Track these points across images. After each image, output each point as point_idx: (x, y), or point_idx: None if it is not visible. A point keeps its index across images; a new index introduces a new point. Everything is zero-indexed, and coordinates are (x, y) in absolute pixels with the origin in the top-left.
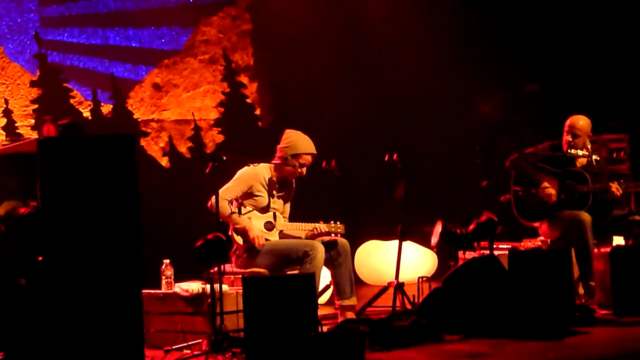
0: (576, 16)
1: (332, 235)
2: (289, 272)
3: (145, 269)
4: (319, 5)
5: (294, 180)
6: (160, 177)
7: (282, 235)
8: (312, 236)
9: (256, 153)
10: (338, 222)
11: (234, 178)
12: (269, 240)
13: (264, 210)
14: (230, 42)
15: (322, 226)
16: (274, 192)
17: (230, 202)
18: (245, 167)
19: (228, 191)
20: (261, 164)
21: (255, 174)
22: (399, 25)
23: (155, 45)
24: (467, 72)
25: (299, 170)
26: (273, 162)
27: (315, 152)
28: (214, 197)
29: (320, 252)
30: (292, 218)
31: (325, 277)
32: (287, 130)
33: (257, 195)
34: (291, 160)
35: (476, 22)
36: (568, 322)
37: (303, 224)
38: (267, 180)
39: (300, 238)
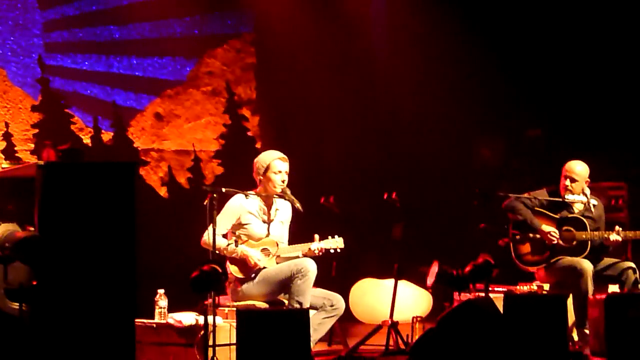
0: (579, 62)
1: (332, 250)
2: (281, 298)
3: (140, 299)
4: (325, 41)
5: (290, 205)
6: (158, 207)
7: (279, 260)
8: (310, 254)
9: (256, 186)
10: (336, 236)
11: (222, 211)
12: (265, 268)
13: (260, 238)
14: (234, 74)
15: (318, 243)
16: (267, 219)
17: (225, 235)
18: (231, 199)
19: (218, 224)
20: (250, 194)
21: (241, 204)
22: (402, 64)
23: (159, 75)
24: (468, 115)
25: (278, 183)
26: (255, 191)
27: (282, 155)
28: (205, 233)
29: (311, 267)
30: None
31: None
32: (255, 159)
33: (247, 224)
34: (266, 179)
35: (479, 65)
36: None
37: (299, 244)
38: (258, 209)
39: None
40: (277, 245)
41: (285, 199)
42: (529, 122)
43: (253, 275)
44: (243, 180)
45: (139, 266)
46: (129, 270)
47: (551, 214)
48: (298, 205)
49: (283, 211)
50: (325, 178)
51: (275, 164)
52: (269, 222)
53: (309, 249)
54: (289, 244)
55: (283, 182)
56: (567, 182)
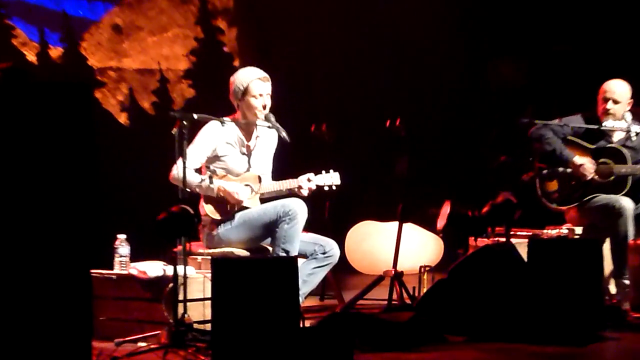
0: None
1: (326, 188)
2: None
3: (96, 245)
4: None
5: (276, 133)
6: (117, 136)
7: (263, 200)
8: (300, 193)
9: (234, 111)
10: (331, 171)
11: (193, 141)
12: (248, 208)
13: (239, 174)
14: None
15: (309, 179)
16: (247, 150)
17: (199, 170)
18: (206, 125)
19: (189, 157)
20: (227, 121)
21: (217, 133)
22: None
23: None
24: (486, 29)
25: (259, 108)
26: (234, 115)
27: (263, 74)
28: (174, 167)
29: (301, 209)
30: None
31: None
32: (230, 78)
33: (224, 156)
34: (245, 104)
35: None
36: (595, 325)
37: (288, 180)
38: (236, 138)
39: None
40: (260, 180)
41: (269, 127)
42: (557, 38)
43: (232, 217)
44: (219, 104)
45: (96, 207)
46: (86, 213)
47: (586, 144)
48: (284, 134)
49: (266, 140)
50: (316, 102)
51: (254, 86)
52: (249, 153)
53: (299, 186)
54: (273, 181)
55: (264, 107)
56: (606, 106)
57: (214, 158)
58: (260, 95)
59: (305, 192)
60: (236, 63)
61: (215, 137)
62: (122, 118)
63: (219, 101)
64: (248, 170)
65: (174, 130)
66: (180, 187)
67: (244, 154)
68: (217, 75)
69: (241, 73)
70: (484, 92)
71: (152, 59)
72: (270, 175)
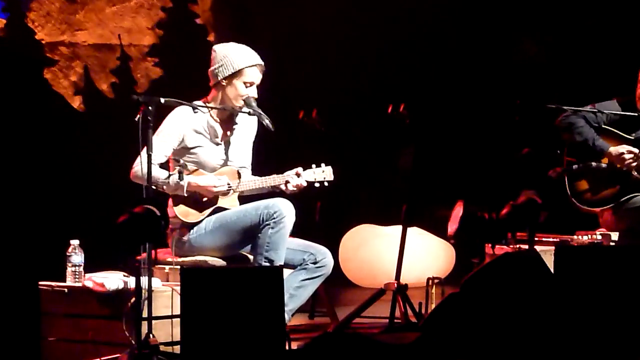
0: None
1: (317, 184)
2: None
3: (46, 253)
4: None
5: (256, 120)
6: (70, 124)
7: (243, 199)
8: (287, 191)
9: (207, 93)
10: (323, 165)
11: (157, 131)
12: (226, 209)
13: (215, 168)
14: None
15: (298, 173)
16: (220, 139)
17: (165, 164)
18: (172, 113)
19: (153, 150)
20: (199, 107)
21: (185, 120)
22: None
23: None
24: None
25: (242, 96)
26: (207, 98)
27: (261, 62)
28: (136, 162)
29: (288, 210)
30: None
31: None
32: (215, 47)
33: (195, 148)
34: (230, 86)
35: None
36: (636, 349)
37: (272, 176)
38: (207, 126)
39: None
40: (240, 176)
41: (250, 114)
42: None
43: (206, 219)
44: (190, 86)
45: (45, 208)
46: (32, 213)
47: (623, 134)
48: (267, 121)
49: (245, 129)
50: (306, 84)
51: (250, 72)
52: (226, 144)
53: (286, 181)
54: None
55: (249, 98)
56: None
57: (182, 150)
58: (252, 83)
59: (292, 189)
60: (210, 37)
61: (182, 124)
62: (76, 102)
63: (189, 82)
64: (225, 164)
65: (137, 117)
66: (144, 185)
67: (218, 144)
68: (188, 52)
69: (236, 51)
70: (504, 73)
71: (112, 32)
72: (250, 170)
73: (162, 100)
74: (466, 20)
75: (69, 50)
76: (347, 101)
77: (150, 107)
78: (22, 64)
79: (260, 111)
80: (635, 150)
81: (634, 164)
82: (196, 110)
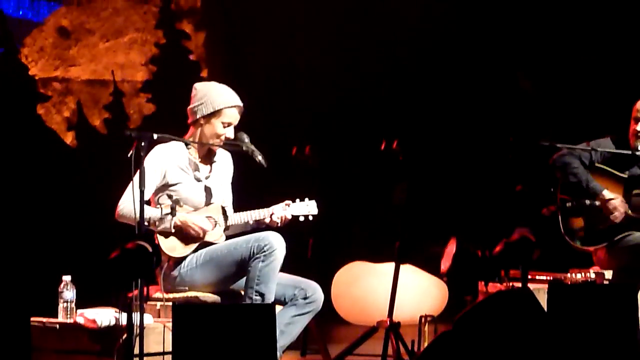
0: None
1: (301, 218)
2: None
3: (38, 289)
4: None
5: (229, 155)
6: (62, 160)
7: (229, 237)
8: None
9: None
10: (306, 199)
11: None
12: (214, 243)
13: (197, 207)
14: None
15: (288, 204)
16: (202, 176)
17: (148, 202)
18: (153, 149)
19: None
20: (172, 142)
21: (166, 156)
22: None
23: None
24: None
25: (218, 136)
26: (186, 137)
27: (240, 103)
28: (122, 200)
29: (279, 245)
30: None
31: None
32: (196, 85)
33: (176, 184)
34: (208, 125)
35: None
36: None
37: (257, 210)
38: (187, 162)
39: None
40: (225, 212)
41: (242, 149)
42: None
43: (195, 253)
44: (183, 122)
45: (38, 244)
46: (23, 250)
47: (616, 172)
48: (260, 157)
49: (222, 165)
50: (299, 120)
51: (229, 112)
52: (206, 180)
53: (272, 213)
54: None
55: (224, 139)
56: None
57: (164, 187)
58: (229, 124)
59: (276, 220)
60: (204, 74)
61: (163, 161)
62: (69, 138)
63: (183, 118)
64: (209, 201)
65: (130, 153)
66: (135, 222)
67: (199, 180)
68: (181, 87)
69: (216, 91)
70: (498, 110)
71: (105, 68)
72: (232, 207)
73: (155, 136)
74: (460, 56)
75: (62, 85)
76: (340, 137)
77: (142, 143)
78: (15, 99)
79: (253, 147)
80: (624, 200)
81: (618, 220)
82: (189, 146)
